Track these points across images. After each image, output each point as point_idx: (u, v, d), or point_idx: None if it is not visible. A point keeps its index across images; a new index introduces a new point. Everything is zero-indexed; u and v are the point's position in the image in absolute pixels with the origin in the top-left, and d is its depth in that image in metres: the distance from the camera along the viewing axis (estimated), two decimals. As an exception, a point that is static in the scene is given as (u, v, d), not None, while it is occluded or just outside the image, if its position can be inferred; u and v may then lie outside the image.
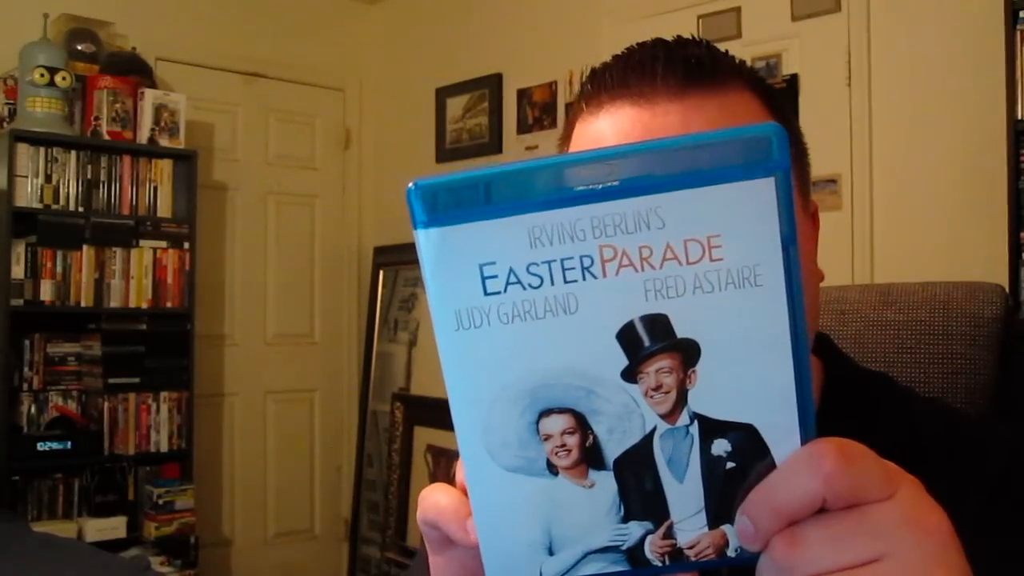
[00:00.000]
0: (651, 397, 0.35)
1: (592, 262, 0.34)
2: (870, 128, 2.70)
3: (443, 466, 3.54)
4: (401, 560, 3.68)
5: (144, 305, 3.36)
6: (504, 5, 3.80)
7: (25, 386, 3.18)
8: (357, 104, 4.40)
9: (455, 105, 3.97)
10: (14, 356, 3.15)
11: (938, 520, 0.34)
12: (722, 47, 0.66)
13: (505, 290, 0.34)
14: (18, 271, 3.13)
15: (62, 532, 2.91)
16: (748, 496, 0.35)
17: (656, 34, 0.68)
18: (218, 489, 3.86)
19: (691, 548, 0.36)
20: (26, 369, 3.19)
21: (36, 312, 3.18)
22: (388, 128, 4.36)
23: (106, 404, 3.26)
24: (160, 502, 3.26)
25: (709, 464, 0.36)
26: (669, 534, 0.36)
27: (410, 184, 0.34)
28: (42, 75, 3.10)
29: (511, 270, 0.34)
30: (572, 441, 0.36)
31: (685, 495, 0.36)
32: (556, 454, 0.36)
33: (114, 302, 3.29)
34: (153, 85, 3.52)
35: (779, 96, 0.67)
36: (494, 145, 3.78)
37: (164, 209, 3.44)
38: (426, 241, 0.34)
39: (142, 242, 3.37)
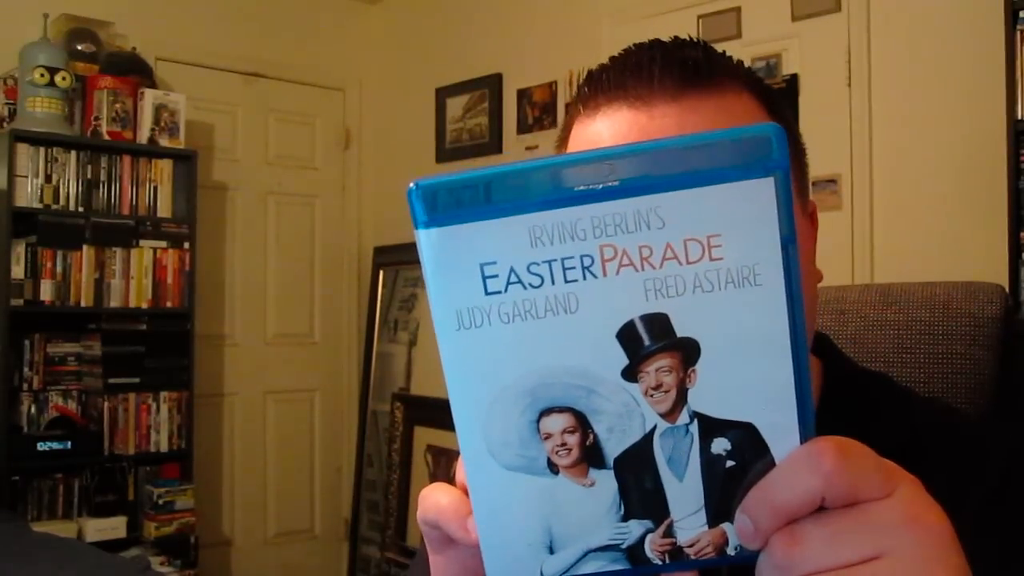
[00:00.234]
0: (651, 396, 0.35)
1: (592, 262, 0.34)
2: (870, 128, 2.70)
3: (443, 466, 3.54)
4: (401, 560, 3.68)
5: (144, 305, 3.36)
6: (504, 5, 3.80)
7: (25, 386, 3.18)
8: (357, 104, 4.40)
9: (455, 105, 3.98)
10: (14, 356, 3.15)
11: (937, 518, 0.34)
12: (722, 47, 0.66)
13: (506, 290, 0.34)
14: (18, 271, 3.13)
15: (62, 532, 2.91)
16: (747, 494, 0.35)
17: (656, 34, 0.69)
18: (218, 489, 3.86)
19: (691, 546, 0.36)
20: (26, 369, 3.19)
21: (36, 312, 3.18)
22: (388, 128, 4.36)
23: (106, 404, 3.26)
24: (160, 502, 3.26)
25: (709, 463, 0.36)
26: (669, 532, 0.36)
27: (411, 184, 0.34)
28: (42, 75, 3.11)
29: (512, 270, 0.34)
30: (572, 440, 0.36)
31: (685, 494, 0.36)
32: (556, 453, 0.36)
33: (114, 302, 3.30)
34: (153, 85, 3.52)
35: (777, 96, 0.67)
36: (494, 145, 3.78)
37: (164, 209, 3.44)
38: (427, 241, 0.34)
39: (142, 242, 3.37)
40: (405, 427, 3.76)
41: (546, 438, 0.36)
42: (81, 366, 3.30)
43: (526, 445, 0.36)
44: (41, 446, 3.08)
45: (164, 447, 3.38)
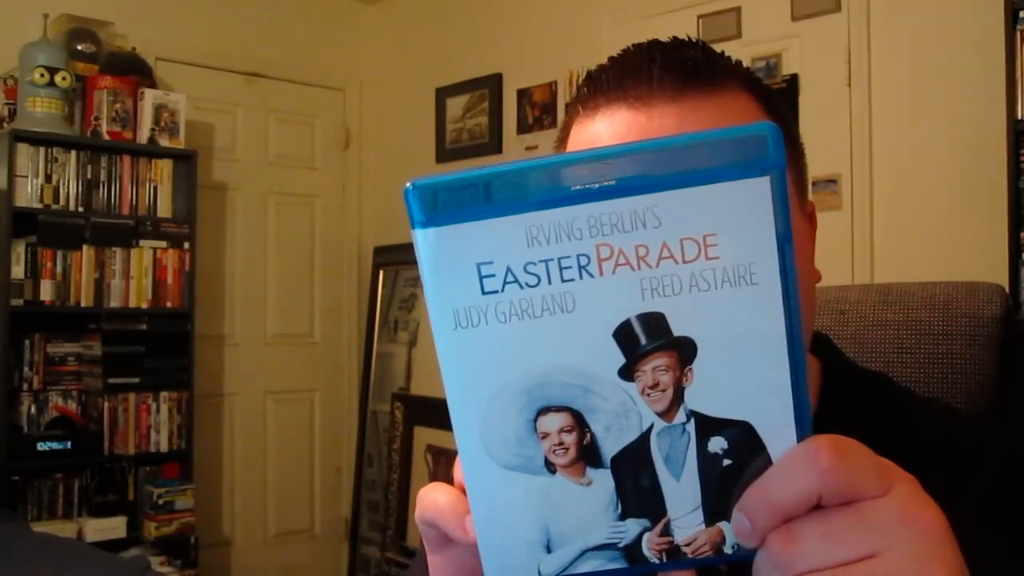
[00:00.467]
0: (648, 395, 0.35)
1: (589, 261, 0.34)
2: (870, 128, 2.70)
3: (443, 466, 3.54)
4: (401, 560, 3.68)
5: (144, 305, 3.36)
6: (504, 5, 3.80)
7: (25, 386, 3.18)
8: (357, 104, 4.40)
9: (455, 105, 3.98)
10: (14, 356, 3.15)
11: (934, 516, 0.34)
12: (722, 47, 0.66)
13: (503, 289, 0.34)
14: (18, 271, 3.13)
15: (62, 532, 2.91)
16: (744, 493, 0.35)
17: (656, 34, 0.69)
18: (218, 489, 3.86)
19: (688, 545, 0.36)
20: (26, 369, 3.19)
21: (36, 312, 3.18)
22: (388, 128, 4.37)
23: (106, 404, 3.26)
24: (160, 502, 3.26)
25: (706, 461, 0.36)
26: (666, 531, 0.36)
27: (408, 184, 0.34)
28: (42, 75, 3.11)
29: (508, 269, 0.34)
30: (570, 439, 0.36)
31: (682, 492, 0.36)
32: (554, 452, 0.36)
33: (114, 302, 3.30)
34: (153, 85, 3.52)
35: (776, 97, 0.67)
36: (494, 145, 3.78)
37: (164, 209, 3.44)
38: (424, 241, 0.34)
39: (142, 242, 3.37)
40: (405, 427, 3.76)
41: (543, 437, 0.36)
42: (81, 366, 3.30)
43: (523, 444, 0.36)
44: (41, 446, 3.08)
45: (164, 447, 3.38)
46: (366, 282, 4.22)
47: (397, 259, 3.95)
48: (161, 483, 3.31)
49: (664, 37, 0.66)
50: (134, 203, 3.38)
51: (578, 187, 0.34)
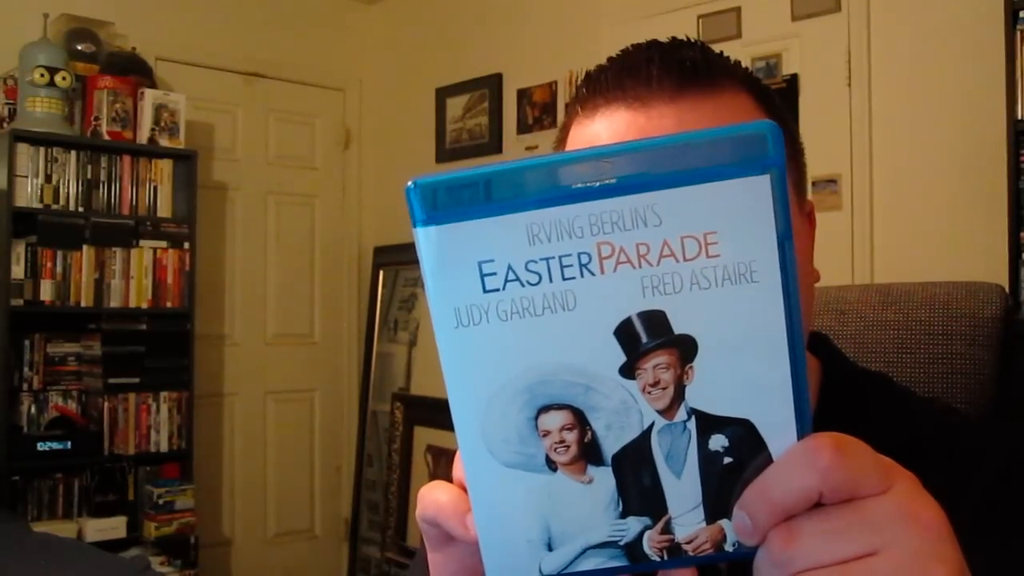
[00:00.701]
0: (649, 393, 0.35)
1: (590, 259, 0.34)
2: (870, 128, 2.70)
3: (443, 466, 3.54)
4: (401, 560, 3.68)
5: (144, 305, 3.36)
6: (504, 5, 3.80)
7: (25, 386, 3.18)
8: (357, 104, 4.40)
9: (455, 105, 3.98)
10: (14, 356, 3.15)
11: (934, 514, 0.34)
12: (722, 47, 0.66)
13: (504, 287, 0.35)
14: (18, 271, 3.13)
15: (62, 532, 2.91)
16: (745, 491, 0.35)
17: (656, 34, 0.69)
18: (218, 489, 3.86)
19: (689, 543, 0.36)
20: (26, 369, 3.19)
21: (36, 312, 3.18)
22: (388, 128, 4.37)
23: (106, 404, 3.26)
24: (160, 502, 3.26)
25: (706, 459, 0.36)
26: (667, 529, 0.36)
27: (409, 183, 0.35)
28: (42, 75, 3.11)
29: (510, 267, 0.34)
30: (571, 437, 0.36)
31: (683, 490, 0.36)
32: (555, 450, 0.36)
33: (114, 302, 3.30)
34: (153, 85, 3.52)
35: (775, 97, 0.67)
36: (494, 145, 3.78)
37: (164, 209, 3.44)
38: (425, 239, 0.35)
39: (142, 242, 3.37)
40: (405, 427, 3.76)
41: (544, 435, 0.36)
42: (81, 366, 3.30)
43: (524, 442, 0.36)
44: (41, 446, 3.08)
45: (164, 447, 3.38)
46: (366, 282, 4.22)
47: (397, 259, 3.95)
48: (161, 483, 3.31)
49: (664, 37, 0.66)
50: (134, 203, 3.38)
51: (579, 185, 0.34)
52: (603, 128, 0.62)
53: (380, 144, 4.40)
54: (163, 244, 3.41)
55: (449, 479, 0.44)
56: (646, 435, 0.36)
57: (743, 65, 0.67)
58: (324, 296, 4.27)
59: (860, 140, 2.71)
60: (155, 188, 3.42)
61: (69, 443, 3.12)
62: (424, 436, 3.67)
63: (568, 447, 0.36)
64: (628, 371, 0.35)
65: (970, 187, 2.50)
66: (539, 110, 3.64)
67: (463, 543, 0.42)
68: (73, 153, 3.25)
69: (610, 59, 0.65)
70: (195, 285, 3.49)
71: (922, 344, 0.89)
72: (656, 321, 0.34)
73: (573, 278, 0.34)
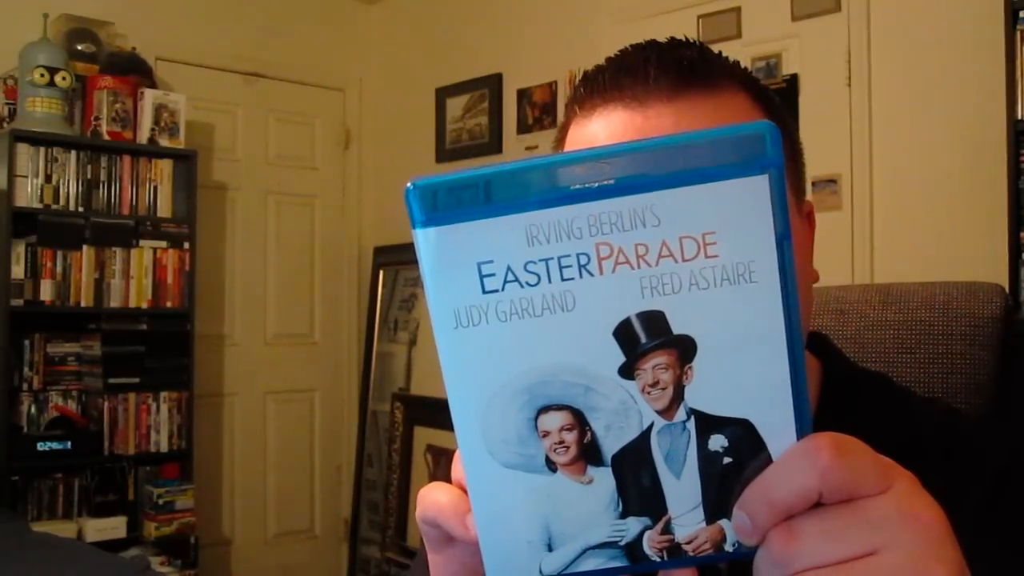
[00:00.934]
0: (648, 393, 0.35)
1: (589, 260, 0.34)
2: (870, 128, 2.70)
3: (443, 466, 3.54)
4: (401, 560, 3.68)
5: (144, 305, 3.36)
6: (504, 5, 3.80)
7: (25, 386, 3.18)
8: (357, 104, 4.41)
9: (455, 105, 3.98)
10: (14, 356, 3.15)
11: (934, 514, 0.34)
12: (722, 47, 0.66)
13: (503, 288, 0.35)
14: (18, 271, 3.13)
15: (62, 532, 2.92)
16: (745, 491, 0.35)
17: (656, 34, 0.69)
18: (218, 489, 3.86)
19: (689, 543, 0.36)
20: (26, 369, 3.19)
21: (36, 312, 3.18)
22: (388, 128, 4.37)
23: (106, 404, 3.26)
24: (160, 502, 3.26)
25: (706, 459, 0.36)
26: (667, 529, 0.36)
27: (408, 184, 0.35)
28: (42, 75, 3.11)
29: (509, 268, 0.34)
30: (570, 438, 0.36)
31: (682, 490, 0.36)
32: (554, 451, 0.36)
33: (114, 302, 3.30)
34: (153, 85, 3.52)
35: (774, 96, 0.67)
36: (494, 145, 3.78)
37: (164, 209, 3.44)
38: (424, 240, 0.35)
39: (142, 242, 3.37)
40: (405, 427, 3.76)
41: (544, 436, 0.36)
42: (81, 366, 3.30)
43: (524, 443, 0.36)
44: (41, 446, 3.08)
45: (164, 447, 3.39)
46: (366, 282, 4.22)
47: (397, 259, 3.95)
48: (161, 483, 3.31)
49: (663, 37, 0.66)
50: (134, 203, 3.38)
51: (577, 186, 0.34)
52: (601, 128, 0.62)
53: (380, 144, 4.40)
54: (163, 244, 3.41)
55: (449, 479, 0.44)
56: (645, 435, 0.36)
57: (743, 65, 0.67)
58: (324, 296, 4.27)
59: (860, 140, 2.71)
60: (155, 188, 3.42)
61: (69, 443, 3.13)
62: (424, 436, 3.67)
63: (568, 448, 0.36)
64: (627, 371, 0.35)
65: (970, 187, 2.50)
66: (539, 110, 3.64)
67: (463, 544, 0.42)
68: (73, 153, 3.25)
69: (608, 59, 0.65)
70: (195, 285, 3.49)
71: (922, 344, 0.89)
72: (655, 321, 0.34)
73: (572, 279, 0.34)
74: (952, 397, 0.86)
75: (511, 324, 0.35)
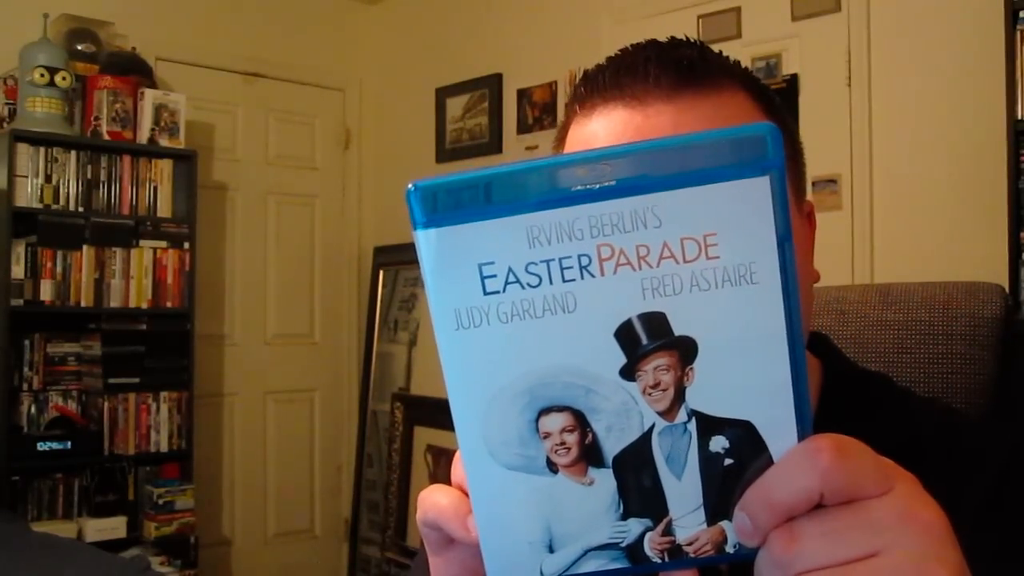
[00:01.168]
0: (649, 395, 0.35)
1: (590, 261, 0.34)
2: (870, 128, 2.70)
3: (443, 466, 3.54)
4: (401, 560, 3.68)
5: (144, 305, 3.36)
6: (504, 5, 3.80)
7: (25, 386, 3.18)
8: (357, 104, 4.41)
9: (455, 105, 3.98)
10: (14, 356, 3.15)
11: (935, 516, 0.34)
12: (722, 47, 0.66)
13: (504, 289, 0.35)
14: (18, 271, 3.13)
15: (62, 532, 2.92)
16: (746, 492, 0.35)
17: (656, 34, 0.69)
18: (218, 489, 3.86)
19: (690, 545, 0.36)
20: (26, 369, 3.19)
21: (36, 312, 3.18)
22: (388, 128, 4.37)
23: (106, 404, 3.26)
24: (160, 502, 3.26)
25: (707, 461, 0.36)
26: (668, 531, 0.36)
27: (409, 185, 0.35)
28: (42, 75, 3.11)
29: (510, 270, 0.34)
30: (571, 439, 0.36)
31: (683, 492, 0.36)
32: (556, 452, 0.36)
33: (114, 302, 3.30)
34: (153, 85, 3.52)
35: (774, 96, 0.67)
36: (494, 145, 3.78)
37: (164, 209, 3.44)
38: (425, 241, 0.35)
39: (142, 242, 3.37)
40: (405, 427, 3.76)
41: (545, 437, 0.36)
42: (81, 366, 3.30)
43: (525, 444, 0.36)
44: (41, 446, 3.08)
45: (164, 447, 3.38)
46: (366, 282, 4.22)
47: (397, 259, 3.95)
48: (161, 483, 3.31)
49: (663, 37, 0.66)
50: (134, 203, 3.38)
51: (578, 188, 0.34)
52: (601, 127, 0.62)
53: (380, 144, 4.40)
54: (163, 244, 3.41)
55: (448, 480, 0.44)
56: (647, 437, 0.36)
57: (743, 65, 0.67)
58: (324, 296, 4.27)
59: (860, 140, 2.71)
60: (155, 188, 3.42)
61: (69, 443, 3.12)
62: (424, 436, 3.67)
63: (569, 449, 0.36)
64: (628, 373, 0.35)
65: (970, 187, 2.50)
66: (539, 110, 3.64)
67: (464, 546, 0.42)
68: (73, 153, 3.25)
69: (608, 59, 0.65)
70: (195, 285, 3.49)
71: (922, 344, 0.89)
72: (656, 323, 0.34)
73: (573, 280, 0.34)
74: (952, 397, 0.86)
75: (512, 325, 0.35)
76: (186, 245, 3.45)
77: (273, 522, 4.04)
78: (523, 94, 3.69)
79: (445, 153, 4.01)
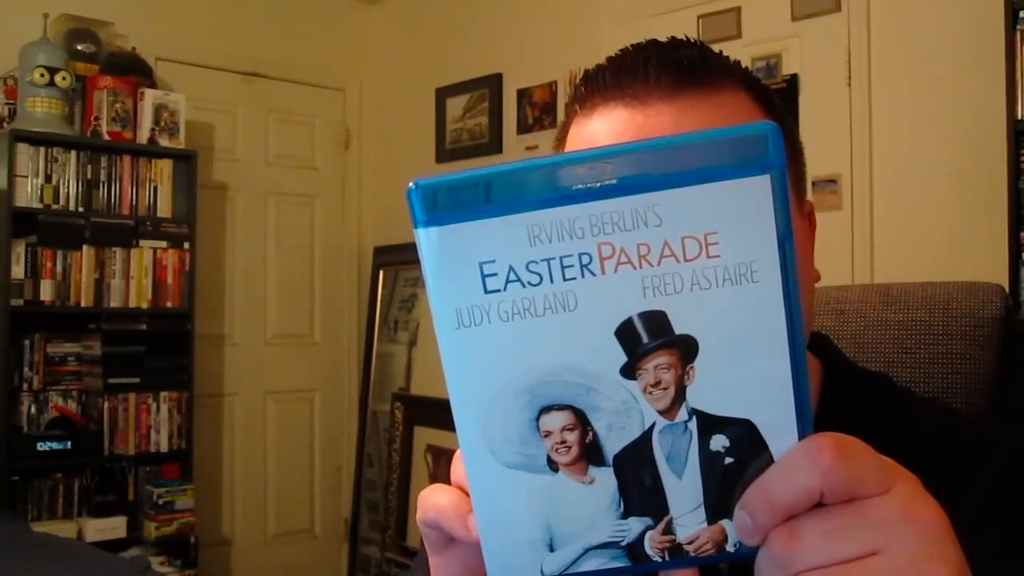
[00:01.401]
0: (650, 393, 0.35)
1: (591, 260, 0.34)
2: (870, 128, 2.70)
3: (443, 466, 3.54)
4: (401, 560, 3.68)
5: (144, 305, 3.36)
6: (504, 5, 3.80)
7: (25, 386, 3.18)
8: (357, 104, 4.40)
9: (455, 105, 3.98)
10: (14, 356, 3.15)
11: (935, 515, 0.34)
12: (722, 47, 0.66)
13: (505, 288, 0.35)
14: (18, 271, 3.13)
15: (62, 532, 2.91)
16: (746, 491, 0.35)
17: (656, 34, 0.69)
18: (218, 489, 3.86)
19: (690, 543, 0.36)
20: (26, 369, 3.19)
21: (36, 312, 3.18)
22: (388, 128, 4.37)
23: (106, 404, 3.26)
24: (160, 502, 3.26)
25: (708, 460, 0.36)
26: (668, 530, 0.36)
27: (410, 183, 0.35)
28: (42, 75, 3.11)
29: (511, 268, 0.34)
30: (572, 438, 0.36)
31: (684, 491, 0.36)
32: (556, 451, 0.36)
33: (114, 302, 3.30)
34: (153, 85, 3.52)
35: (775, 96, 0.67)
36: (494, 145, 3.78)
37: (164, 209, 3.44)
38: (426, 240, 0.35)
39: (142, 242, 3.37)
40: (405, 427, 3.76)
41: (546, 436, 0.36)
42: (81, 366, 3.30)
43: (526, 443, 0.36)
44: (41, 446, 3.08)
45: (164, 447, 3.38)
46: (366, 282, 4.22)
47: (397, 259, 3.95)
48: (161, 483, 3.31)
49: (663, 37, 0.66)
50: (134, 203, 3.38)
51: (579, 186, 0.34)
52: (601, 127, 0.63)
53: (380, 144, 4.40)
54: (163, 244, 3.41)
55: (448, 480, 0.44)
56: (647, 435, 0.36)
57: (743, 65, 0.67)
58: (324, 296, 4.27)
59: (860, 140, 2.71)
60: (155, 188, 3.42)
61: (69, 443, 3.12)
62: (424, 436, 3.67)
63: (569, 448, 0.36)
64: (629, 371, 0.35)
65: (970, 187, 2.50)
66: (539, 110, 3.64)
67: (464, 545, 0.42)
68: (73, 153, 3.25)
69: (609, 58, 0.66)
70: (195, 285, 3.49)
71: (922, 344, 0.89)
72: (657, 321, 0.34)
73: (574, 278, 0.34)
74: (952, 397, 0.86)
75: (513, 324, 0.35)
76: (186, 245, 3.45)
77: (273, 522, 4.04)
78: (523, 94, 3.69)
79: (445, 153, 4.01)
